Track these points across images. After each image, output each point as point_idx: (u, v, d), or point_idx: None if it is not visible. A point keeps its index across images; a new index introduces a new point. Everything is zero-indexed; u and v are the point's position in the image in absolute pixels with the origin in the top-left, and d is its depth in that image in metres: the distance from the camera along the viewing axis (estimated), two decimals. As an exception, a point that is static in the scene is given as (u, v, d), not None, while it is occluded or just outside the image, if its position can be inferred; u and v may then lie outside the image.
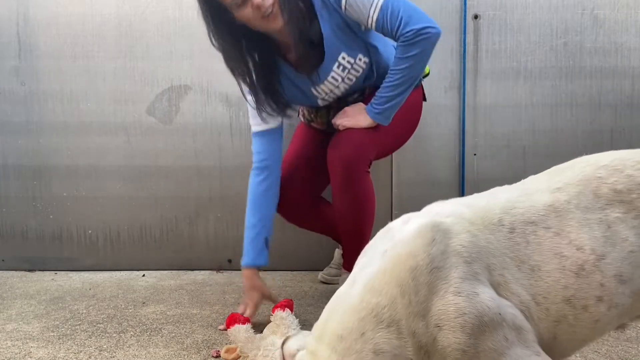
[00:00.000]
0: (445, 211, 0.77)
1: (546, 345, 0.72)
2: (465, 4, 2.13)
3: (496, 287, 0.70)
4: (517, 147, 2.16)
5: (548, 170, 0.82)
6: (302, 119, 1.85)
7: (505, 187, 0.83)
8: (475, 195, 0.83)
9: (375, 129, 1.55)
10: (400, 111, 1.56)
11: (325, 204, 1.85)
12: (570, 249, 0.71)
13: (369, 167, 1.58)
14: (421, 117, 2.18)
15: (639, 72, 2.14)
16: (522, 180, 0.84)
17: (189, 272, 2.23)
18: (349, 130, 1.55)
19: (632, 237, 0.71)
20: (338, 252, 2.08)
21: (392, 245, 0.75)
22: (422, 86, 1.79)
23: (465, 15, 2.14)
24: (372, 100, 1.53)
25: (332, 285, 1.99)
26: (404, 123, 1.68)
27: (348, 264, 1.72)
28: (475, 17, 2.14)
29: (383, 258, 0.74)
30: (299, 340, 0.82)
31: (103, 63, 2.22)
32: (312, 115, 1.75)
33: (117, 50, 2.21)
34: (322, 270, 2.11)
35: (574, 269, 0.70)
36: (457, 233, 0.72)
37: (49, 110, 2.26)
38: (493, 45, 2.15)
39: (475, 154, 2.16)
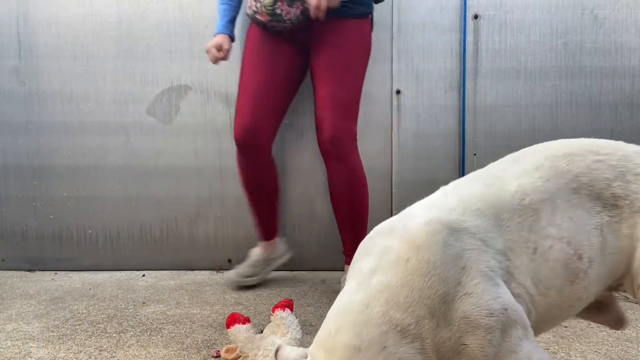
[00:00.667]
0: (446, 212, 0.76)
1: (536, 324, 0.76)
2: (465, 4, 2.13)
3: (507, 281, 0.72)
4: (517, 147, 2.14)
5: (560, 150, 0.84)
6: (248, 13, 1.79)
7: (521, 174, 0.82)
8: (493, 187, 0.80)
9: (345, 82, 1.75)
10: (354, 46, 1.75)
11: (275, 167, 1.96)
12: (573, 260, 0.75)
13: (356, 138, 1.81)
14: (421, 117, 2.19)
15: (639, 72, 2.14)
16: (536, 166, 0.83)
17: (189, 272, 2.23)
18: (327, 104, 1.73)
19: (611, 240, 0.76)
20: (255, 251, 1.98)
21: (406, 253, 0.71)
22: (372, 15, 1.87)
23: (465, 15, 2.14)
24: None
25: (332, 286, 1.99)
26: (362, 59, 1.83)
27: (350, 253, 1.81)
28: (475, 17, 2.14)
29: (403, 268, 0.70)
30: (296, 351, 0.76)
31: (103, 63, 2.22)
32: (258, 5, 1.72)
33: (117, 50, 2.21)
34: (323, 270, 2.12)
35: (571, 277, 0.74)
36: (479, 250, 0.72)
37: (49, 110, 2.26)
38: (493, 45, 2.15)
39: (475, 154, 2.16)
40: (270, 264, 2.01)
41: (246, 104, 1.81)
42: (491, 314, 0.69)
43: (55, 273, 2.25)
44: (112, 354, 1.32)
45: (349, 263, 1.78)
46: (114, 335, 1.46)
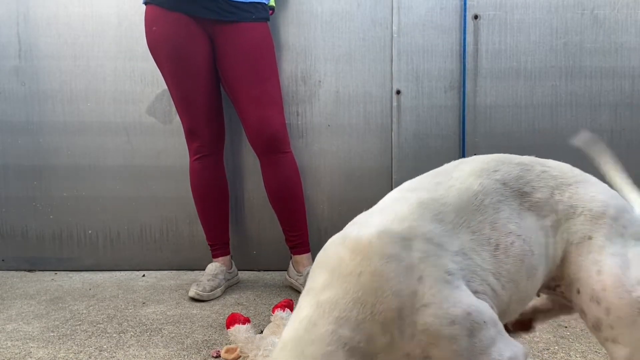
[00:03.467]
0: (414, 223, 0.73)
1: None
2: (465, 4, 2.13)
3: (470, 279, 0.73)
4: (517, 147, 2.16)
5: (510, 162, 0.88)
6: None
7: (473, 181, 0.85)
8: (438, 191, 0.83)
9: (270, 80, 1.84)
10: (263, 46, 1.85)
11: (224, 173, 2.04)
12: (528, 255, 0.79)
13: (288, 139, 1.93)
14: (421, 117, 2.19)
15: (639, 72, 2.14)
16: (488, 173, 0.86)
17: (189, 272, 2.23)
18: (265, 102, 1.82)
19: (551, 243, 0.82)
20: (212, 266, 1.95)
21: (357, 267, 0.67)
22: (268, 22, 1.93)
23: (465, 15, 2.14)
24: None
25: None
26: (273, 57, 1.91)
27: (292, 245, 1.95)
28: (475, 17, 2.14)
29: (355, 282, 0.67)
30: None
31: (103, 63, 2.22)
32: None
33: (117, 50, 2.21)
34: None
35: (527, 273, 0.79)
36: (435, 256, 0.70)
37: (49, 110, 2.26)
38: (493, 45, 2.15)
39: (475, 154, 2.16)
40: (229, 277, 1.99)
41: (196, 115, 1.90)
42: (453, 322, 0.66)
43: (55, 273, 2.25)
44: (112, 354, 1.32)
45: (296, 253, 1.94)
46: (114, 335, 1.46)
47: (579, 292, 0.81)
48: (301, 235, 1.94)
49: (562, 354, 1.29)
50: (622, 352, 0.77)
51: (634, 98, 2.15)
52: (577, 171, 0.91)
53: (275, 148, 1.87)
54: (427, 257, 0.69)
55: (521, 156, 0.89)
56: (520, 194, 0.83)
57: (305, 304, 0.68)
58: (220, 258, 1.99)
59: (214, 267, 1.94)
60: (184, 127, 1.92)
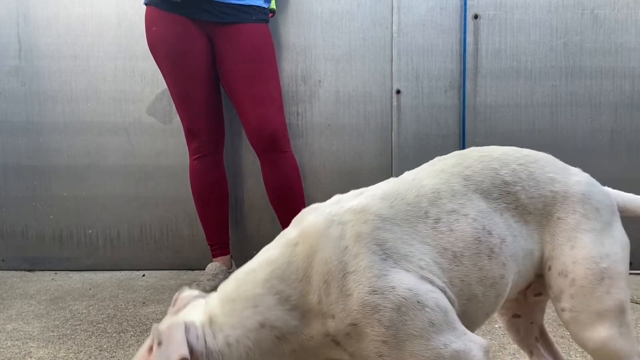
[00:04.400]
0: (357, 205, 0.79)
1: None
2: (465, 4, 2.13)
3: (420, 273, 0.74)
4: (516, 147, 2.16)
5: (453, 154, 0.90)
6: None
7: (418, 170, 0.90)
8: (394, 182, 0.86)
9: (271, 79, 1.86)
10: (262, 46, 1.85)
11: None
12: (484, 234, 0.79)
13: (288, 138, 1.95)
14: (421, 117, 2.19)
15: (639, 72, 2.14)
16: (432, 162, 0.91)
17: (189, 272, 2.23)
18: (264, 101, 1.83)
19: (514, 224, 0.82)
20: (212, 266, 1.96)
21: (303, 239, 0.76)
22: (267, 23, 1.95)
23: (465, 15, 2.14)
24: None
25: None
26: (272, 58, 1.91)
27: None
28: (475, 17, 2.14)
29: (291, 250, 0.76)
30: (196, 293, 0.84)
31: (103, 63, 2.22)
32: None
33: (117, 50, 2.21)
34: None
35: (486, 252, 0.78)
36: (369, 232, 0.75)
37: (49, 110, 2.26)
38: (493, 45, 2.15)
39: (475, 154, 2.16)
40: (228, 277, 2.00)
41: (197, 115, 1.91)
42: (374, 291, 0.70)
43: (55, 273, 2.25)
44: (112, 354, 1.32)
45: None
46: (114, 335, 1.46)
47: (549, 268, 0.83)
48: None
49: (562, 354, 1.29)
50: (569, 315, 0.81)
51: (634, 98, 2.15)
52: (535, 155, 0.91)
53: (275, 147, 1.87)
54: (361, 235, 0.74)
55: (493, 151, 0.89)
56: (461, 178, 0.83)
57: (255, 258, 0.79)
58: (220, 258, 1.98)
59: (214, 266, 1.94)
60: (183, 127, 1.93)
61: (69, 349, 1.36)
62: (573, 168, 0.89)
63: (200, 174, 1.94)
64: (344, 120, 2.20)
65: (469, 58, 2.15)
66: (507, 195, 0.83)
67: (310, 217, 0.79)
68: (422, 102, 2.18)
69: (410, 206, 0.79)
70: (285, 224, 1.93)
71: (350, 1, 2.17)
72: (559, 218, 0.83)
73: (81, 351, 1.34)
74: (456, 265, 0.77)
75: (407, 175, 0.89)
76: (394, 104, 2.18)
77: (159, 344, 0.69)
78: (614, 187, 0.93)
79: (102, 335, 1.46)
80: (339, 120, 2.20)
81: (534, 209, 0.83)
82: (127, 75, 2.22)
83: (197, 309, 0.78)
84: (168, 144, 2.23)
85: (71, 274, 2.23)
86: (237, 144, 2.23)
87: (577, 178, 0.86)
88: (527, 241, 0.83)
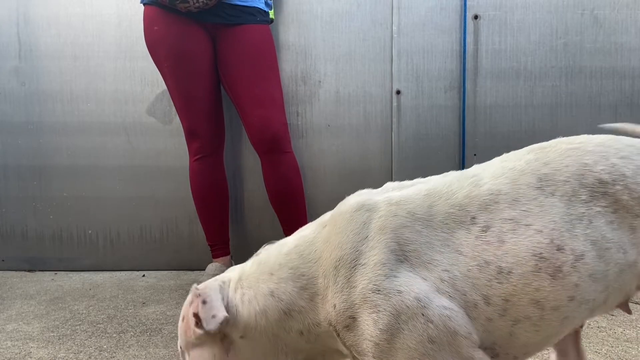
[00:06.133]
0: (396, 197, 0.73)
1: (501, 343, 0.69)
2: (465, 4, 2.13)
3: (438, 285, 0.66)
4: (517, 148, 2.14)
5: (531, 147, 0.78)
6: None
7: (486, 166, 0.78)
8: (450, 178, 0.77)
9: (272, 80, 1.87)
10: (265, 47, 1.86)
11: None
12: (550, 250, 0.66)
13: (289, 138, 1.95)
14: (421, 117, 2.19)
15: (639, 72, 2.14)
16: (505, 156, 0.79)
17: (189, 272, 2.23)
18: (267, 102, 1.84)
19: (609, 233, 0.67)
20: (212, 266, 1.97)
21: (331, 221, 0.76)
22: (269, 25, 1.96)
23: (465, 15, 2.14)
24: None
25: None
26: (274, 59, 1.93)
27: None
28: (475, 17, 2.14)
29: (318, 230, 0.77)
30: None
31: (103, 63, 2.22)
32: None
33: (117, 50, 2.21)
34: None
35: (550, 271, 0.65)
36: (394, 228, 0.69)
37: (49, 110, 2.26)
38: (493, 45, 2.15)
39: (475, 154, 2.16)
40: None
41: (199, 114, 1.89)
42: (378, 290, 0.66)
43: (55, 273, 2.25)
44: (112, 354, 1.32)
45: None
46: (114, 335, 1.46)
47: None
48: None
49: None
50: None
51: (634, 98, 2.15)
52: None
53: (276, 148, 1.87)
54: (385, 229, 0.69)
55: (588, 141, 0.75)
56: (535, 178, 0.70)
57: (298, 231, 0.82)
58: (220, 258, 1.98)
59: (214, 267, 1.94)
60: (183, 127, 1.92)
61: (69, 349, 1.36)
62: None
63: (201, 175, 1.94)
64: (344, 121, 2.20)
65: (468, 58, 2.15)
66: (603, 198, 0.68)
67: (349, 200, 0.76)
68: (422, 102, 2.18)
69: (454, 208, 0.70)
70: (285, 224, 1.94)
71: (350, 1, 2.17)
72: None
73: (81, 351, 1.34)
74: (499, 283, 0.65)
75: (470, 170, 0.79)
76: (394, 104, 2.18)
77: (204, 302, 0.76)
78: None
79: (102, 336, 1.46)
80: (339, 120, 2.20)
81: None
82: (127, 75, 2.22)
83: (239, 267, 0.84)
84: (168, 144, 2.23)
85: (71, 274, 2.23)
86: (238, 144, 2.23)
87: None
88: (629, 253, 0.67)
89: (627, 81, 2.15)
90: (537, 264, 0.65)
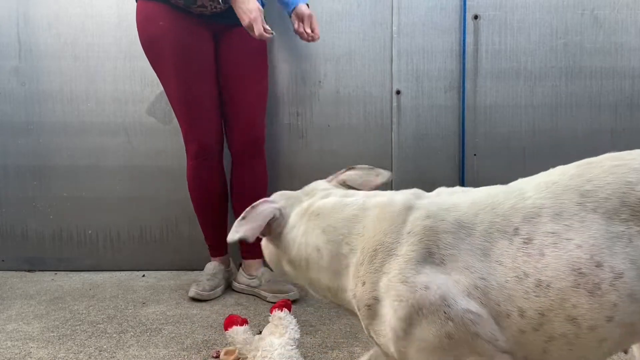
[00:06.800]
0: (445, 202, 0.78)
1: (533, 358, 0.70)
2: (465, 4, 2.13)
3: (470, 290, 0.69)
4: (517, 148, 2.16)
5: (578, 163, 0.76)
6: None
7: (530, 179, 0.78)
8: (497, 190, 0.78)
9: (263, 85, 1.89)
10: (261, 52, 1.88)
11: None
12: (589, 266, 0.65)
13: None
14: (421, 117, 2.19)
15: (639, 72, 2.14)
16: (551, 170, 0.78)
17: (189, 272, 2.23)
18: (257, 106, 1.87)
19: None
20: (211, 265, 1.96)
21: (382, 207, 0.82)
22: None
23: (465, 15, 2.14)
24: None
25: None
26: (265, 66, 1.94)
27: (249, 249, 1.93)
28: (475, 17, 2.14)
29: (372, 210, 0.83)
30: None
31: (103, 63, 2.22)
32: None
33: (117, 50, 2.21)
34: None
35: (589, 287, 0.65)
36: (438, 232, 0.74)
37: (49, 110, 2.26)
38: (493, 45, 2.15)
39: (475, 154, 2.16)
40: (227, 276, 1.98)
41: (204, 114, 1.84)
42: (406, 281, 0.71)
43: (55, 273, 2.25)
44: (112, 354, 1.32)
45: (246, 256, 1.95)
46: (114, 335, 1.46)
47: None
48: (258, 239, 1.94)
49: None
50: None
51: (634, 98, 2.15)
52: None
53: (256, 153, 1.90)
54: (429, 231, 0.74)
55: (636, 158, 0.73)
56: (577, 194, 0.70)
57: (369, 197, 0.87)
58: (218, 258, 1.98)
59: (213, 266, 1.94)
60: (182, 129, 1.88)
61: (69, 349, 1.36)
62: None
63: (200, 177, 1.91)
64: (344, 121, 2.20)
65: (468, 58, 2.15)
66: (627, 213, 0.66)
67: (403, 194, 0.84)
68: (422, 102, 2.18)
69: (499, 218, 0.71)
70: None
71: (350, 1, 2.17)
72: None
73: (81, 351, 1.34)
74: (536, 296, 0.66)
75: (516, 183, 0.79)
76: (394, 104, 2.18)
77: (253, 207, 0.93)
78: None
79: (102, 336, 1.46)
80: (339, 120, 2.20)
81: None
82: (127, 75, 2.22)
83: (306, 201, 0.93)
84: (168, 144, 2.23)
85: (71, 274, 2.23)
86: (237, 144, 2.23)
87: None
88: None
89: (627, 81, 2.15)
90: (576, 280, 0.65)
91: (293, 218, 0.91)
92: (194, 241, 2.25)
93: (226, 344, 1.33)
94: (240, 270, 1.96)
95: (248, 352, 1.17)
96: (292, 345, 1.14)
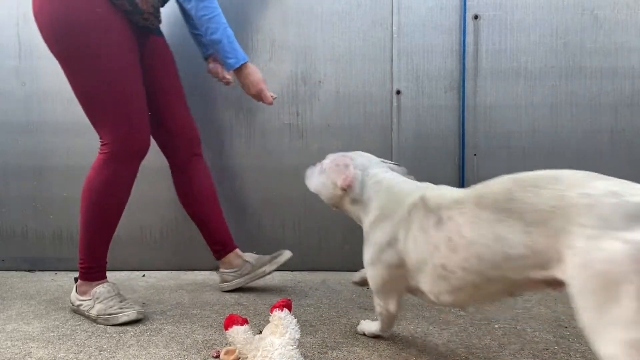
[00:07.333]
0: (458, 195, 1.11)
1: (423, 287, 1.14)
2: (465, 4, 2.13)
3: (404, 242, 1.17)
4: (517, 147, 2.16)
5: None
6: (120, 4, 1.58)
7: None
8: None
9: (185, 97, 1.90)
10: (175, 70, 1.88)
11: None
12: (456, 236, 1.03)
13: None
14: (421, 117, 2.19)
15: (639, 72, 2.14)
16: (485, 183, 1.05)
17: (189, 272, 2.23)
18: (188, 111, 1.89)
19: (504, 234, 0.94)
20: (104, 288, 1.68)
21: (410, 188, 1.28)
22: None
23: (465, 15, 2.14)
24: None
25: (332, 286, 1.99)
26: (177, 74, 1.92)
27: (224, 246, 1.94)
28: (475, 17, 2.14)
29: (401, 188, 1.28)
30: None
31: (103, 63, 2.22)
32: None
33: (117, 50, 2.21)
34: (322, 270, 2.11)
35: (451, 247, 1.04)
36: (419, 208, 1.15)
37: (49, 110, 2.26)
38: (493, 45, 2.15)
39: (475, 154, 2.16)
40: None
41: (139, 115, 1.67)
42: (366, 232, 1.29)
43: (55, 273, 2.25)
44: (112, 354, 1.32)
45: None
46: (114, 335, 1.46)
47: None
48: (228, 231, 1.95)
49: (562, 354, 1.29)
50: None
51: (634, 98, 2.15)
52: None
53: (199, 152, 1.92)
54: (413, 206, 1.17)
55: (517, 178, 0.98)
56: (490, 208, 0.98)
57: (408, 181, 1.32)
58: (105, 279, 1.76)
59: (111, 287, 1.71)
60: (109, 127, 1.67)
61: (69, 349, 1.36)
62: None
63: (124, 182, 1.77)
64: (344, 121, 2.20)
65: (468, 58, 2.15)
66: (503, 211, 0.96)
67: (417, 185, 1.29)
68: (422, 102, 2.18)
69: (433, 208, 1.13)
70: (215, 225, 1.92)
71: (350, 1, 2.17)
72: (565, 229, 0.85)
73: (81, 351, 1.34)
74: (437, 252, 1.07)
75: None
76: (394, 104, 2.18)
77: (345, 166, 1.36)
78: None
79: (102, 336, 1.46)
80: (339, 120, 2.20)
81: (553, 232, 0.87)
82: (127, 75, 2.21)
83: (382, 170, 1.35)
84: (168, 144, 2.23)
85: (71, 274, 2.23)
86: (237, 145, 2.23)
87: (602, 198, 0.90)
88: (515, 248, 0.92)
89: (627, 81, 2.15)
90: (447, 242, 1.04)
91: (369, 178, 1.33)
92: (194, 241, 2.26)
93: (226, 344, 1.32)
94: (221, 271, 1.94)
95: (248, 352, 1.17)
96: (292, 345, 1.13)
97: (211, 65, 1.97)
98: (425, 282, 1.11)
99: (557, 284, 0.89)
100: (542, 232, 0.87)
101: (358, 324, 1.48)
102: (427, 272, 1.09)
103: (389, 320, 1.34)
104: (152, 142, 2.23)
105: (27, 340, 1.43)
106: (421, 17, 2.16)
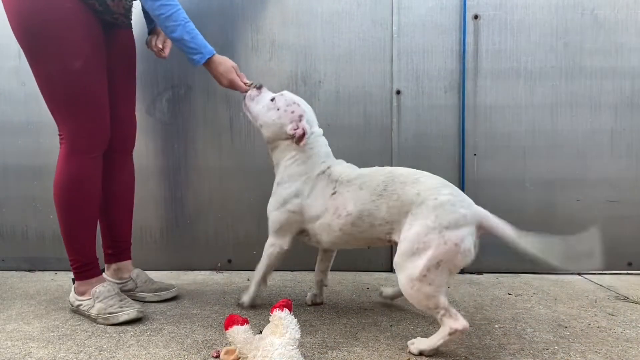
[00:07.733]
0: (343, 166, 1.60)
1: (312, 232, 1.56)
2: (465, 4, 2.13)
3: (306, 197, 1.54)
4: (516, 147, 2.16)
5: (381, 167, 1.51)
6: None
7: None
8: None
9: (135, 90, 1.91)
10: (135, 59, 1.90)
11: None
12: (341, 208, 1.46)
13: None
14: (421, 117, 2.19)
15: (639, 72, 2.14)
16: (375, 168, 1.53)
17: (189, 272, 2.23)
18: (134, 106, 1.88)
19: (371, 209, 1.40)
20: (105, 287, 1.65)
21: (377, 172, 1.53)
22: None
23: (465, 15, 2.14)
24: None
25: (332, 286, 1.99)
26: (135, 71, 1.92)
27: (121, 250, 1.88)
28: (475, 17, 2.14)
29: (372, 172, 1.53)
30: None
31: (103, 63, 2.22)
32: None
33: (117, 50, 2.21)
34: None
35: (337, 214, 1.47)
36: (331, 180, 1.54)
37: (48, 110, 2.25)
38: (493, 45, 2.15)
39: (475, 154, 2.16)
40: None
41: (101, 109, 1.66)
42: (278, 183, 1.61)
43: (55, 273, 2.25)
44: (112, 354, 1.32)
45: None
46: (114, 335, 1.46)
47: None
48: (129, 239, 1.91)
49: (562, 354, 1.29)
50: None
51: (634, 98, 2.15)
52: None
53: (131, 149, 1.90)
54: (327, 177, 1.55)
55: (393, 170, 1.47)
56: (368, 188, 1.43)
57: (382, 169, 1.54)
58: (99, 275, 1.72)
59: (111, 287, 1.69)
60: (73, 121, 1.66)
61: (69, 349, 1.36)
62: None
63: (95, 176, 1.70)
64: (344, 121, 2.20)
65: (468, 58, 2.15)
66: (382, 194, 1.40)
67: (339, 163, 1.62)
68: (422, 102, 2.18)
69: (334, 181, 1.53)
70: (122, 226, 1.88)
71: (350, 1, 2.17)
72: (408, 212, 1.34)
73: (81, 351, 1.34)
74: (330, 215, 1.48)
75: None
76: (394, 104, 2.18)
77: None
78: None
79: (102, 336, 1.46)
80: (339, 120, 2.20)
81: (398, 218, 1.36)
82: (127, 75, 2.21)
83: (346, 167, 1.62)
84: (168, 144, 2.23)
85: (71, 274, 2.22)
86: (237, 146, 2.23)
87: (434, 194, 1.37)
88: (378, 218, 1.39)
89: (627, 81, 2.15)
90: (334, 211, 1.47)
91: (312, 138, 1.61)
92: (194, 241, 2.26)
93: (226, 344, 1.32)
94: (106, 276, 1.85)
95: (248, 352, 1.17)
96: (292, 345, 1.13)
97: (148, 37, 1.92)
98: (314, 229, 1.53)
99: (395, 243, 1.36)
100: (397, 212, 1.34)
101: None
102: (317, 224, 1.51)
103: (279, 257, 1.62)
104: (152, 142, 2.25)
105: (27, 340, 1.42)
106: (421, 17, 2.16)
